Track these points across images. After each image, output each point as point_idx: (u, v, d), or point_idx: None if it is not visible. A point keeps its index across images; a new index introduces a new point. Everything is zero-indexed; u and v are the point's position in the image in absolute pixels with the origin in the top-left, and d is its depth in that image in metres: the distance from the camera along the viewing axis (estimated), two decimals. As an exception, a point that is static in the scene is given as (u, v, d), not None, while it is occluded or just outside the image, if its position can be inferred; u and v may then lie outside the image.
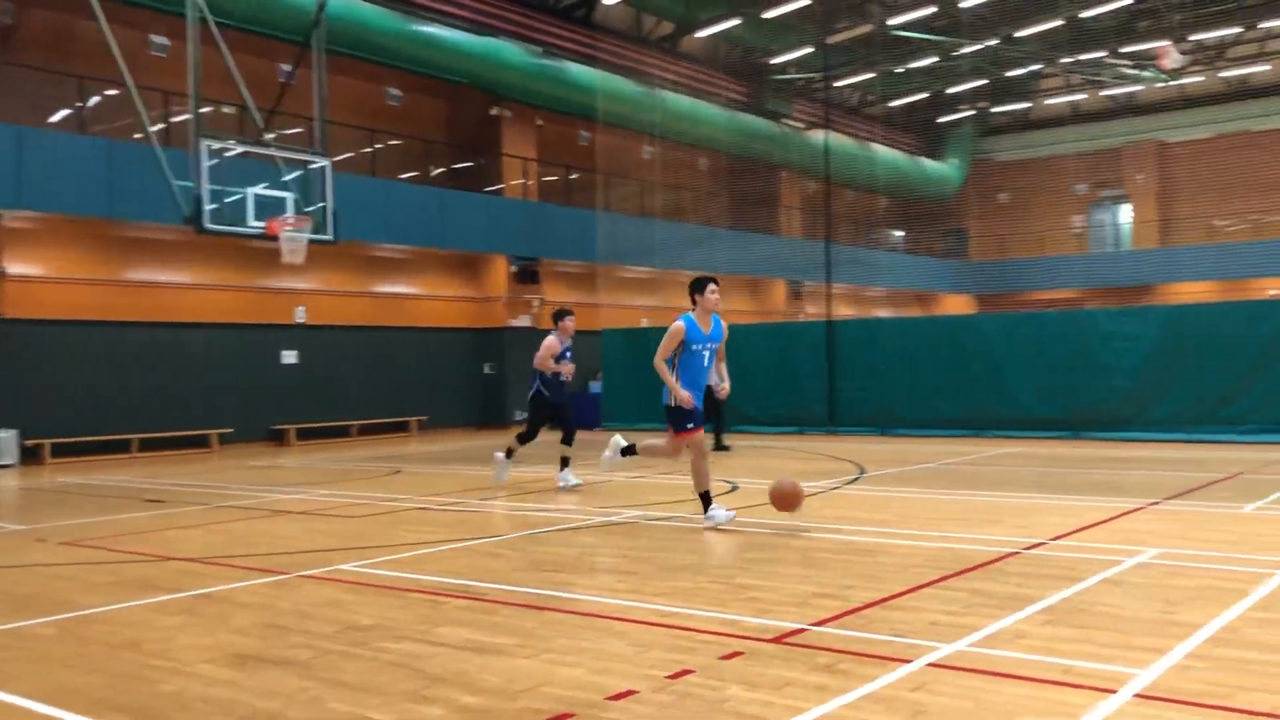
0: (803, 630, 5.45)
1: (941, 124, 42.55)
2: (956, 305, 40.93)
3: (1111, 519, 8.97)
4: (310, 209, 16.22)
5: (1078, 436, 17.95)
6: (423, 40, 24.48)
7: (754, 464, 14.99)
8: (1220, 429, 16.80)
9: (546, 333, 12.45)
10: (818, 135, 31.61)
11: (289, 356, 23.04)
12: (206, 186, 14.68)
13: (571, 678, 4.76)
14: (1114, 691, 4.32)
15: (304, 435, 22.79)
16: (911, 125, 42.00)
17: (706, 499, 9.00)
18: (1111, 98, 40.45)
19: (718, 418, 16.72)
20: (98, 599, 6.72)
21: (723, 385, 10.36)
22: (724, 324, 9.18)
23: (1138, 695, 4.29)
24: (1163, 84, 37.34)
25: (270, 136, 16.26)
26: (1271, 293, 34.14)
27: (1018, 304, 38.34)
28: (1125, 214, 42.44)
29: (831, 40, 31.89)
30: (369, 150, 25.46)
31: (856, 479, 12.59)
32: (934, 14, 31.47)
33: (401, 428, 24.77)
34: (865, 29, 32.43)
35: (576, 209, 27.81)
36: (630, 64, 30.13)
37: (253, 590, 6.90)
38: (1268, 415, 16.53)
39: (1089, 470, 13.13)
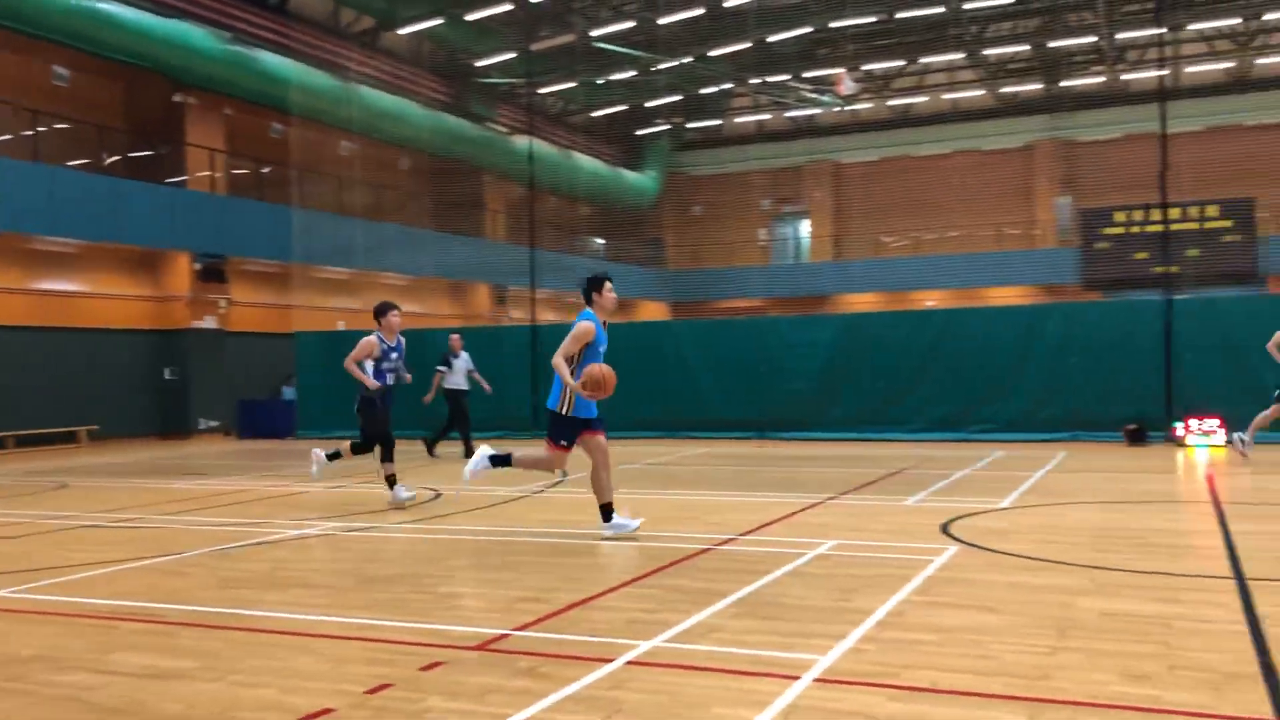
0: (505, 636, 5.44)
1: (639, 136, 43.97)
2: (654, 312, 42.37)
3: (794, 514, 9.57)
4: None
5: (764, 436, 19.06)
6: (96, 17, 22.56)
7: (457, 470, 14.85)
8: (888, 428, 18.37)
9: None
10: (522, 140, 31.81)
11: (-68, 359, 20.58)
12: None
13: (261, 699, 4.52)
14: (797, 678, 4.60)
15: (-51, 448, 20.41)
16: (611, 136, 43.15)
17: (607, 511, 8.42)
18: (793, 119, 43.29)
19: (461, 423, 16.41)
20: None
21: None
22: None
23: (817, 680, 4.58)
24: (838, 108, 40.38)
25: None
26: (929, 303, 37.50)
27: (711, 311, 40.21)
28: (805, 228, 45.49)
29: (535, 47, 32.23)
30: (30, 133, 23.17)
31: (560, 483, 12.74)
32: (633, 29, 32.49)
33: (68, 438, 22.68)
34: (568, 38, 32.99)
35: (269, 204, 26.53)
36: (327, 56, 29.13)
37: (-117, 625, 6.08)
38: (928, 415, 18.24)
39: (774, 468, 13.97)
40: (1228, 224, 30.93)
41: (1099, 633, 5.29)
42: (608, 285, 8.41)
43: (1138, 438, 16.34)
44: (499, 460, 8.69)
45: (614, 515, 8.42)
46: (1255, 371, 14.83)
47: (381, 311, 10.89)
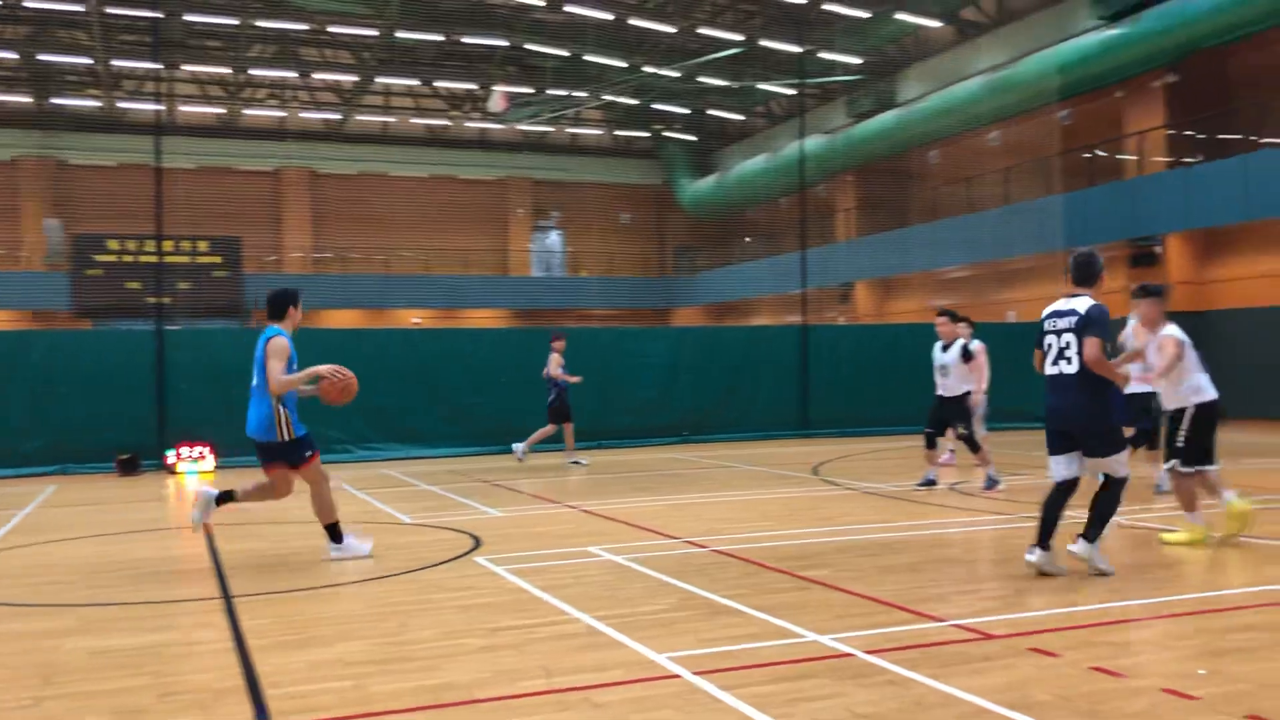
0: None
1: None
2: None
3: None
4: None
5: None
6: None
7: None
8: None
9: None
10: None
11: None
12: None
13: None
14: None
15: None
16: None
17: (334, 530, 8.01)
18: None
19: None
20: None
21: None
22: None
23: None
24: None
25: None
26: (415, 321, 35.29)
27: None
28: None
29: None
30: None
31: None
32: None
33: None
34: None
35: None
36: None
37: None
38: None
39: None
40: (217, 259, 32.69)
41: (89, 673, 5.10)
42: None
43: (130, 467, 16.22)
44: (224, 498, 8.14)
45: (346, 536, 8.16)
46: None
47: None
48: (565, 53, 34.01)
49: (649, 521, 9.81)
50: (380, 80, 37.90)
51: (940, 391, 12.00)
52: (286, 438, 7.83)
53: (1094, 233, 24.90)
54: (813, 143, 32.61)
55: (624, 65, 35.15)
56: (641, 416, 19.15)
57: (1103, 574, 6.75)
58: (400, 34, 32.27)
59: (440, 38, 33.09)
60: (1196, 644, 5.18)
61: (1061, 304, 7.05)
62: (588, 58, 34.00)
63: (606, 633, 5.65)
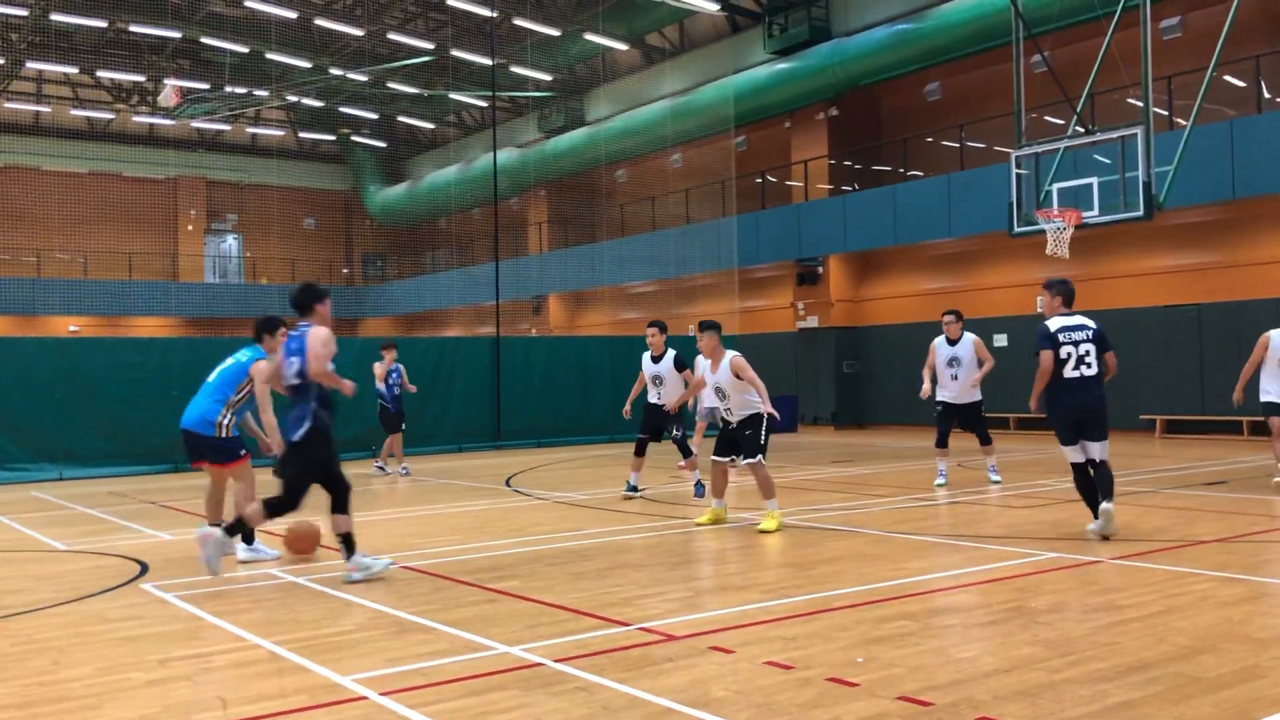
0: None
1: None
2: None
3: None
4: None
5: None
6: None
7: None
8: None
9: None
10: None
11: None
12: None
13: None
14: None
15: None
16: None
17: (242, 529, 7.64)
18: None
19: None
20: None
21: None
22: None
23: None
24: None
25: None
26: (72, 329, 31.29)
27: None
28: None
29: None
30: None
31: None
32: None
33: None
34: None
35: None
36: None
37: None
38: None
39: None
40: None
41: None
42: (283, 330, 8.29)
43: None
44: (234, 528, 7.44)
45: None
46: None
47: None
48: (244, 49, 32.33)
49: (333, 540, 9.47)
50: (32, 65, 34.48)
51: (652, 399, 12.20)
52: (223, 435, 8.35)
53: (764, 253, 26.61)
54: (505, 156, 32.82)
55: (309, 66, 33.89)
56: (357, 426, 18.43)
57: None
58: (57, 17, 29.48)
59: (103, 24, 30.55)
60: (856, 634, 5.63)
61: (1069, 320, 8.46)
62: (270, 56, 32.49)
63: (288, 657, 5.39)
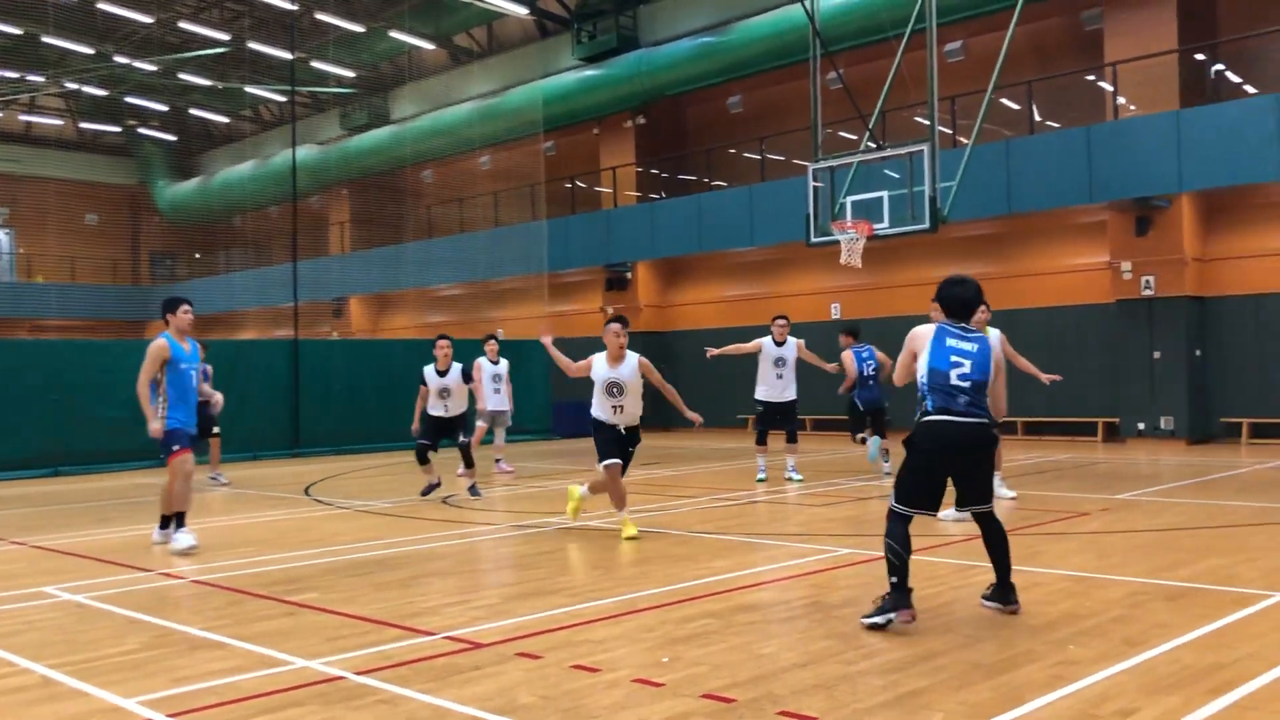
0: None
1: None
2: None
3: None
4: None
5: None
6: None
7: None
8: None
9: None
10: None
11: None
12: None
13: None
14: None
15: None
16: None
17: (178, 520, 8.94)
18: None
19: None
20: None
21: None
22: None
23: None
24: None
25: None
26: None
27: None
28: None
29: None
30: None
31: None
32: None
33: None
34: None
35: None
36: None
37: None
38: None
39: None
40: None
41: None
42: (184, 307, 9.23)
43: None
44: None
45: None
46: None
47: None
48: (18, 30, 30.12)
49: (116, 554, 8.93)
50: None
51: (437, 412, 12.19)
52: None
53: (575, 258, 26.71)
54: (305, 153, 31.75)
55: (91, 52, 31.88)
56: (111, 439, 17.28)
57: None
58: None
59: None
60: (661, 634, 5.70)
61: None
62: (47, 39, 30.38)
63: (65, 682, 5.04)
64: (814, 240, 17.68)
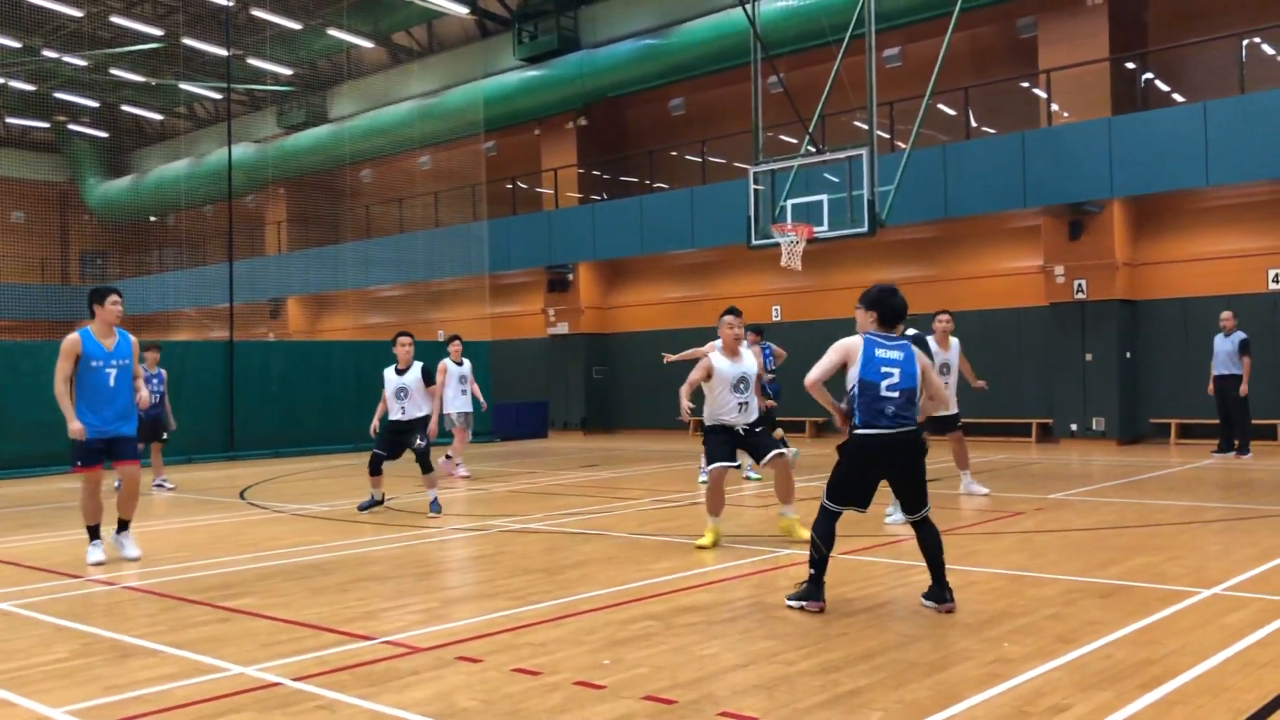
0: None
1: None
2: None
3: None
4: None
5: None
6: None
7: None
8: None
9: None
10: None
11: None
12: None
13: None
14: None
15: None
16: None
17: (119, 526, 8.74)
18: None
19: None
20: None
21: None
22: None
23: None
24: None
25: None
26: None
27: None
28: None
29: None
30: None
31: None
32: None
33: None
34: None
35: None
36: None
37: None
38: None
39: None
40: None
41: None
42: (112, 298, 8.46)
43: None
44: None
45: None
46: None
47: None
48: (-59, 22, 29.32)
49: (44, 560, 8.72)
50: None
51: (395, 415, 11.28)
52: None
53: (516, 259, 26.60)
54: (241, 151, 31.25)
55: (18, 46, 31.08)
56: (37, 442, 16.81)
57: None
58: None
59: None
60: (602, 636, 5.69)
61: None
62: (-29, 32, 29.59)
63: (-12, 693, 4.90)
64: (755, 243, 17.80)
